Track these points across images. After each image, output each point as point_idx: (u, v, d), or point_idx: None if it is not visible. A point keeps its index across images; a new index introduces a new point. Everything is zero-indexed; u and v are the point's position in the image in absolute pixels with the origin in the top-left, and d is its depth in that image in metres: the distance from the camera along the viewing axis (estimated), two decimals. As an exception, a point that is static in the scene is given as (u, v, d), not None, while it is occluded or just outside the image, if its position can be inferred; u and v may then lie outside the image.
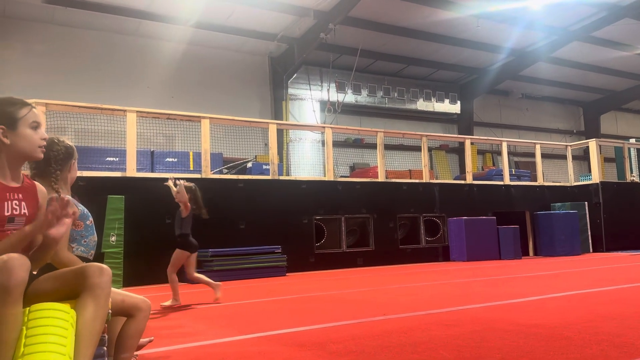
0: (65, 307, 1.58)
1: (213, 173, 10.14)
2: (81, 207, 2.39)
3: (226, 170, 11.64)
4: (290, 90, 16.24)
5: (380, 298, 5.54)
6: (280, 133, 14.45)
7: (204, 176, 9.29)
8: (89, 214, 2.51)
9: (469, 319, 3.86)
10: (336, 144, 14.13)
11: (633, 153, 15.99)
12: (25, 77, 12.48)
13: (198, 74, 15.06)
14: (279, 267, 9.07)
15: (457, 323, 3.69)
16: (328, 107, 16.57)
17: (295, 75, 16.01)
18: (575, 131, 22.92)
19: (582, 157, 21.55)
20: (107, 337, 1.83)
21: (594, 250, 13.01)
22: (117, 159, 10.82)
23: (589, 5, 14.47)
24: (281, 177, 10.39)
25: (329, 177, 10.82)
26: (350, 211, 10.83)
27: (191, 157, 11.47)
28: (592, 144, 14.18)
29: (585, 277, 7.06)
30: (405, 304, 4.91)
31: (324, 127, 11.68)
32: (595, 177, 13.76)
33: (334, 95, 16.74)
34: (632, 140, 16.37)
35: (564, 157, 15.05)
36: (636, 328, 3.28)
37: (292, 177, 11.63)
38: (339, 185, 10.89)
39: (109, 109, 8.98)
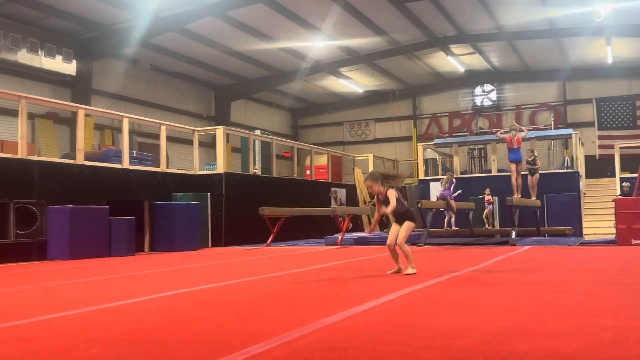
0: None
1: None
2: None
3: None
4: None
5: None
6: None
7: None
8: None
9: (52, 333, 3.78)
10: None
11: (257, 145, 18.70)
12: None
13: None
14: None
15: (37, 337, 3.57)
16: None
17: None
18: (205, 115, 25.18)
19: (211, 144, 23.87)
20: None
21: (213, 245, 14.60)
22: None
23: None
24: None
25: None
26: None
27: None
28: (219, 132, 15.86)
29: (196, 274, 7.84)
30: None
31: None
32: (220, 166, 15.43)
33: None
34: (258, 132, 19.12)
35: (192, 142, 16.26)
36: (231, 324, 3.84)
37: None
38: None
39: None
